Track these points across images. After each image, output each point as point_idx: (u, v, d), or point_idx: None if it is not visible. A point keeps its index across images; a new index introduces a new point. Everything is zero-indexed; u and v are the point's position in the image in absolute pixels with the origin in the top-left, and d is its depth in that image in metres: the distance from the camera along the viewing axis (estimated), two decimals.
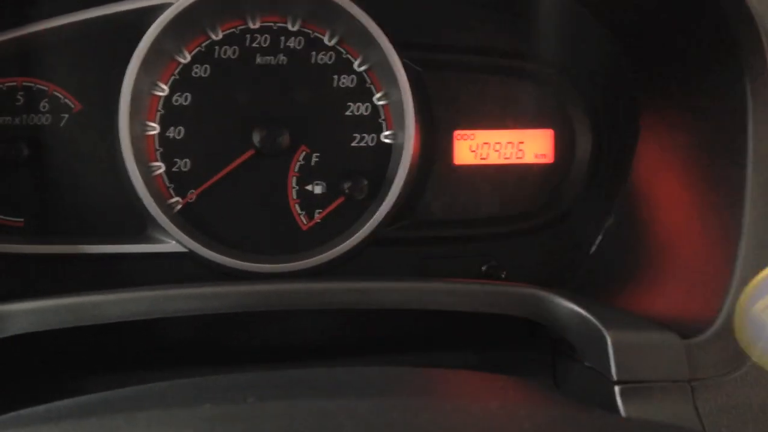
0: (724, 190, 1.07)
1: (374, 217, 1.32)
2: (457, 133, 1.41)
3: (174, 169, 1.34)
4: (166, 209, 1.31)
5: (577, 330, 1.02)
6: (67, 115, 1.33)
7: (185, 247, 1.29)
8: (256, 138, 1.33)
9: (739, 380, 0.96)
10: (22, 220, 1.33)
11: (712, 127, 1.13)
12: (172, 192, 1.35)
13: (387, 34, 1.30)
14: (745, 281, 1.00)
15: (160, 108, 1.33)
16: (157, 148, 1.34)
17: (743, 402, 0.95)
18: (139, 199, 1.28)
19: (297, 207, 1.37)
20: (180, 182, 1.35)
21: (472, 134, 1.41)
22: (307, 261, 1.30)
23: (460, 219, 1.42)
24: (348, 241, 1.31)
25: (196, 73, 1.34)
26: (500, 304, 1.10)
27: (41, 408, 0.74)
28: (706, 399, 0.93)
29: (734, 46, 1.05)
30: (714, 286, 1.03)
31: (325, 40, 1.35)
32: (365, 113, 1.37)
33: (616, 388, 0.92)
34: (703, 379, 0.95)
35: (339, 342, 1.31)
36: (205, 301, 1.05)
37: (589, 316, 0.99)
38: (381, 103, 1.37)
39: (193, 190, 1.35)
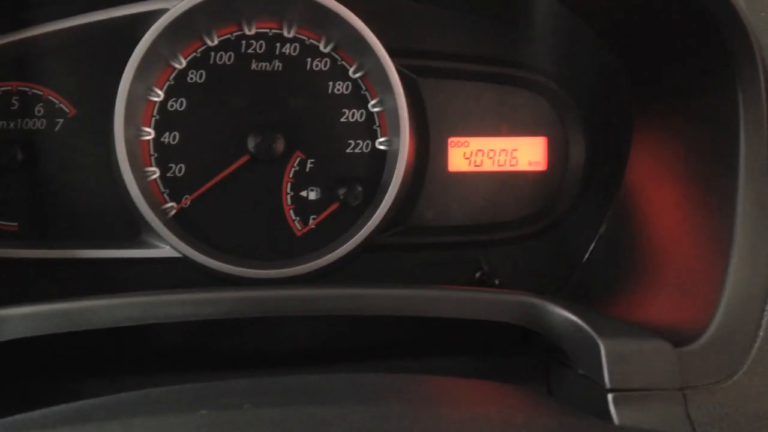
0: (717, 198, 1.08)
1: (369, 223, 1.32)
2: (452, 140, 1.42)
3: (169, 175, 1.34)
4: (161, 214, 1.31)
5: (571, 338, 1.02)
6: (61, 120, 1.33)
7: (179, 252, 1.29)
8: (251, 144, 1.34)
9: (732, 388, 0.96)
10: (16, 224, 1.33)
11: (705, 134, 1.14)
12: (166, 197, 1.35)
13: (382, 41, 1.30)
14: (737, 289, 1.00)
15: (155, 113, 1.33)
16: (152, 153, 1.34)
17: (736, 410, 0.95)
18: (133, 204, 1.28)
19: (291, 213, 1.38)
20: (174, 187, 1.35)
21: (467, 141, 1.42)
22: (301, 267, 1.30)
23: (454, 226, 1.43)
24: (342, 247, 1.32)
25: (191, 78, 1.34)
26: (494, 311, 1.10)
27: (36, 413, 0.74)
28: (698, 407, 0.93)
29: (726, 54, 1.05)
30: (706, 294, 1.03)
31: (321, 46, 1.36)
32: (360, 120, 1.38)
33: (610, 396, 0.92)
34: (696, 387, 0.95)
35: (333, 348, 1.31)
36: (199, 307, 1.04)
37: (582, 324, 1.00)
38: (376, 109, 1.37)
39: (187, 196, 1.35)
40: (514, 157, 1.43)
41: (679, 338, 0.98)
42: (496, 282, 1.39)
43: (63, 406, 0.74)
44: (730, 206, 1.04)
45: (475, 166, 1.42)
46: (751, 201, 1.03)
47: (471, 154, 1.42)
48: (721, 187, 1.07)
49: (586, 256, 1.41)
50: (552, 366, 1.17)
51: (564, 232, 1.44)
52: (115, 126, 1.26)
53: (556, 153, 1.44)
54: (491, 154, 1.43)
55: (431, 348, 1.30)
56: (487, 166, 1.43)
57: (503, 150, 1.43)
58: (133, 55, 1.25)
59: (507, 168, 1.43)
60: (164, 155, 1.34)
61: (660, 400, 0.93)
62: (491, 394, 0.88)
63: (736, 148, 1.04)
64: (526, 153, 1.44)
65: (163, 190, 1.34)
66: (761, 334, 0.99)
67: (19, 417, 0.73)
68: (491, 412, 0.76)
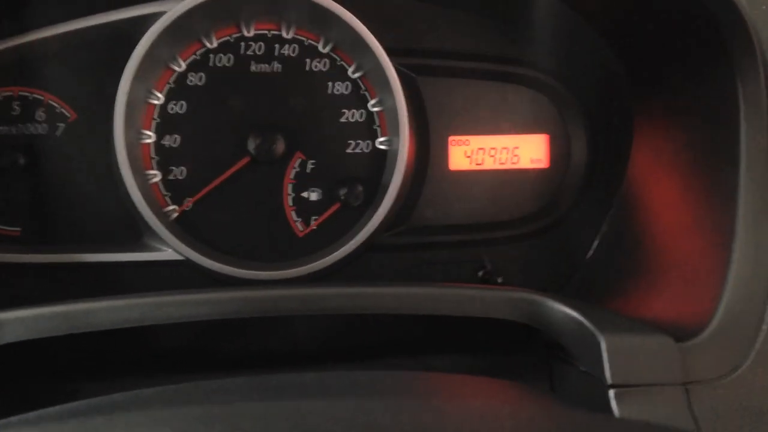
0: (718, 193, 1.07)
1: (370, 223, 1.32)
2: (452, 138, 1.42)
3: (170, 177, 1.35)
4: (162, 217, 1.31)
5: (572, 334, 1.02)
6: (63, 125, 1.33)
7: (181, 254, 1.29)
8: (251, 145, 1.34)
9: (735, 383, 0.95)
10: (18, 229, 1.33)
11: (706, 130, 1.13)
12: (168, 200, 1.35)
13: (380, 40, 1.30)
14: (739, 283, 1.00)
15: (155, 116, 1.34)
16: (153, 156, 1.34)
17: (739, 405, 0.94)
18: (135, 208, 1.28)
19: (293, 214, 1.37)
20: (176, 190, 1.35)
21: (467, 140, 1.42)
22: (303, 268, 1.30)
23: (456, 224, 1.42)
24: (344, 248, 1.31)
25: (191, 81, 1.34)
26: (496, 308, 1.09)
27: (32, 414, 0.74)
28: (701, 402, 0.93)
29: (726, 49, 1.05)
30: (709, 288, 1.02)
31: (320, 47, 1.36)
32: (360, 120, 1.37)
33: (611, 392, 0.92)
34: (698, 382, 0.94)
35: (334, 347, 1.31)
36: (198, 308, 1.04)
37: (583, 319, 0.99)
38: (375, 109, 1.37)
39: (189, 198, 1.35)
40: (515, 155, 1.43)
41: (681, 333, 0.97)
42: (499, 280, 1.38)
43: (57, 407, 0.74)
44: (732, 201, 1.04)
45: (477, 164, 1.42)
46: (752, 196, 1.03)
47: (472, 153, 1.42)
48: (722, 182, 1.06)
49: (589, 253, 1.41)
50: (553, 363, 1.16)
51: (566, 230, 1.44)
52: (116, 130, 1.26)
53: (557, 150, 1.44)
54: (492, 152, 1.42)
55: (432, 346, 1.30)
56: (489, 164, 1.42)
57: (504, 148, 1.42)
58: (132, 58, 1.26)
59: (508, 166, 1.43)
60: (165, 158, 1.34)
61: (662, 396, 0.92)
62: (491, 390, 0.88)
63: (737, 143, 1.04)
64: (527, 151, 1.43)
65: (164, 193, 1.35)
66: (764, 328, 0.98)
67: (13, 419, 0.73)
68: (490, 407, 0.75)
